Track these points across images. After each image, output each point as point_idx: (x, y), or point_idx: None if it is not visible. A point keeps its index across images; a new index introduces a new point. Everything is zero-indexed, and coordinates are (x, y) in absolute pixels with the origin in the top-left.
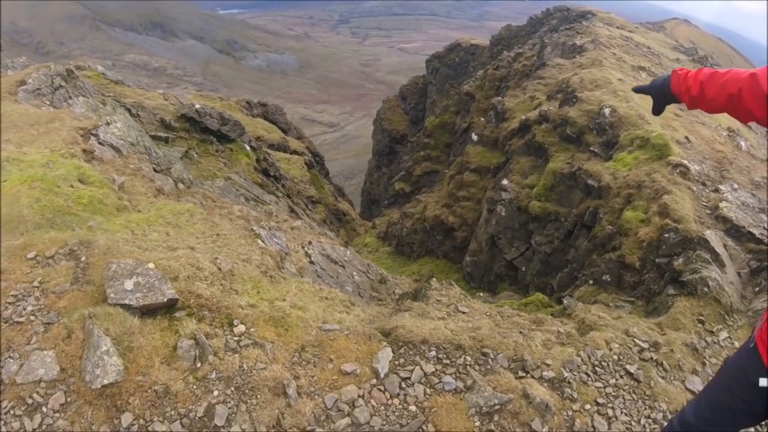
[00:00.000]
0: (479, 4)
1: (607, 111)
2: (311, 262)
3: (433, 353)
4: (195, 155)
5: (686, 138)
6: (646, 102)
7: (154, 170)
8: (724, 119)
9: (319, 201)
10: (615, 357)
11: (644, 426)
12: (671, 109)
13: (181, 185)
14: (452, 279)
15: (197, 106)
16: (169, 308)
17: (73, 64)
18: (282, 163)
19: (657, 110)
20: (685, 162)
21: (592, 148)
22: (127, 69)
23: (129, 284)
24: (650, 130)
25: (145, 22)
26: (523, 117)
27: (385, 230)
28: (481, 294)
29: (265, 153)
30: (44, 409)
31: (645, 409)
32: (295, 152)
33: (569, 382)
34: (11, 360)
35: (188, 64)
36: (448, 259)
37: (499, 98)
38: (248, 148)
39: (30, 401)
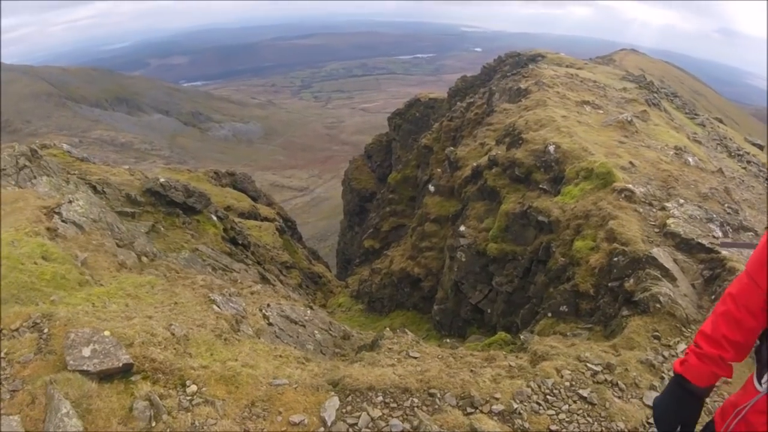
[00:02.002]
0: (434, 58)
1: (551, 148)
2: (269, 324)
3: (380, 398)
4: (162, 228)
5: (630, 163)
6: (589, 134)
7: (117, 245)
8: (671, 138)
9: (293, 266)
10: (567, 383)
11: None
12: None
13: (144, 258)
14: (423, 329)
15: (162, 180)
16: (125, 372)
17: (38, 143)
18: (253, 230)
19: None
20: (630, 186)
21: (541, 186)
22: (94, 145)
23: (87, 351)
24: (594, 161)
25: (110, 97)
26: (475, 164)
27: (357, 288)
28: (448, 340)
29: (233, 222)
30: None
31: (601, 430)
32: (266, 219)
33: (520, 413)
34: None
35: (155, 137)
36: (417, 310)
37: (452, 148)
38: (215, 218)
39: None
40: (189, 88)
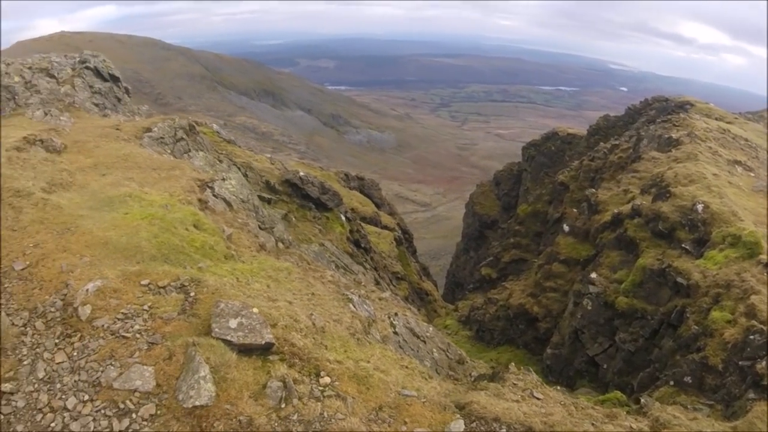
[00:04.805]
0: (578, 92)
1: (700, 207)
2: (395, 333)
3: (504, 431)
4: (293, 219)
5: None
6: (739, 198)
7: (259, 227)
8: None
9: (403, 278)
10: None
11: None
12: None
13: (281, 245)
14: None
15: (301, 173)
16: (264, 350)
17: (191, 120)
18: (372, 236)
19: None
20: None
21: (683, 245)
22: (236, 130)
23: (233, 323)
24: (742, 228)
25: (258, 89)
26: (616, 210)
27: (467, 314)
28: (558, 388)
29: (359, 225)
30: (134, 415)
31: None
32: (385, 227)
33: None
34: (112, 367)
35: (294, 132)
36: (528, 350)
37: (593, 190)
38: (343, 218)
39: (122, 406)
40: (333, 91)
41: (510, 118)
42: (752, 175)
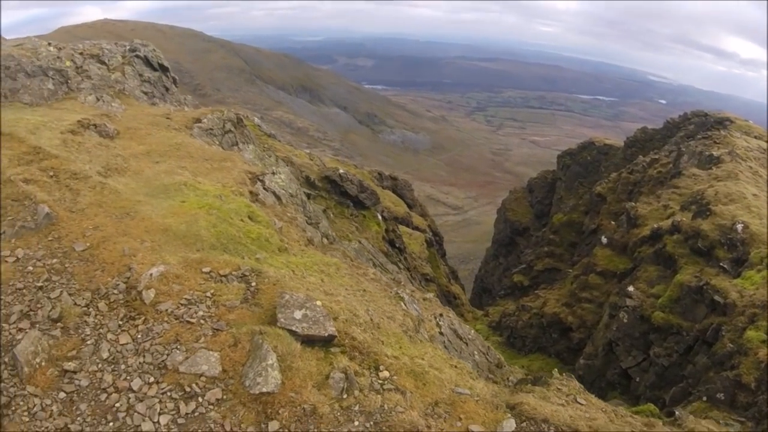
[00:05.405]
0: (616, 103)
1: (739, 227)
2: (441, 333)
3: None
4: (331, 215)
5: None
6: None
7: (306, 222)
8: None
9: (432, 280)
10: None
11: None
12: None
13: (325, 240)
14: None
15: (341, 171)
16: (326, 342)
17: (238, 113)
18: (404, 236)
19: None
20: None
21: (721, 264)
22: (273, 123)
23: (298, 314)
24: None
25: (296, 85)
26: (655, 225)
27: (497, 320)
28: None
29: (394, 225)
30: (200, 399)
31: None
32: (417, 228)
33: None
34: (178, 351)
35: (329, 129)
36: (560, 359)
37: (633, 204)
38: (380, 217)
39: (188, 389)
40: (369, 90)
41: (546, 125)
42: None
